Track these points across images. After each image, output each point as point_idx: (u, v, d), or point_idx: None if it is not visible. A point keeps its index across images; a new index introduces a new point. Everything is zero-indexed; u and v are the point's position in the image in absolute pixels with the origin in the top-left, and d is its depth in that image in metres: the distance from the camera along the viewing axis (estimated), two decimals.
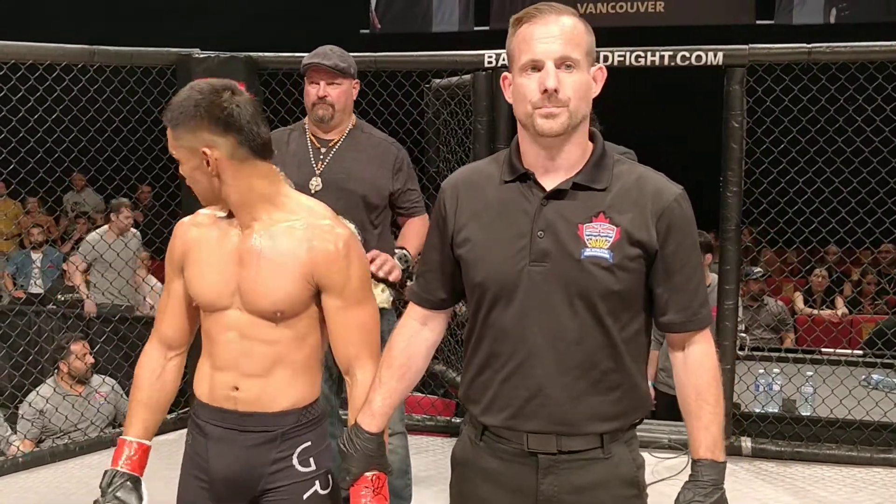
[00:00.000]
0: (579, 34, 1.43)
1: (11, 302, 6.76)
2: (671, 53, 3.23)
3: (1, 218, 7.77)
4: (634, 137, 2.99)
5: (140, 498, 1.67)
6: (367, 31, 8.65)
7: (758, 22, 7.96)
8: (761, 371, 3.79)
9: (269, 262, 1.60)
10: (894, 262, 6.56)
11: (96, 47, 3.27)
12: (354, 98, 2.66)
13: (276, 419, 1.64)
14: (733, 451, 3.28)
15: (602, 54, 3.14)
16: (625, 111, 4.16)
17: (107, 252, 5.18)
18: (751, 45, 3.19)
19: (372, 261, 2.39)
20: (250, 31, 7.54)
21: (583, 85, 1.43)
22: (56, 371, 4.04)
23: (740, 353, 3.50)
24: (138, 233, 5.84)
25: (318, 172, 2.59)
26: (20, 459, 3.24)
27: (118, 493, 1.65)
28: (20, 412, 3.90)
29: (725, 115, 3.20)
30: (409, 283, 2.41)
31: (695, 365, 1.51)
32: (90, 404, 3.97)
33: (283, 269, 1.59)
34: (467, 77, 3.43)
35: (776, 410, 3.65)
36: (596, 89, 1.48)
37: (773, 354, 4.17)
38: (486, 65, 3.34)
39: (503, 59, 3.27)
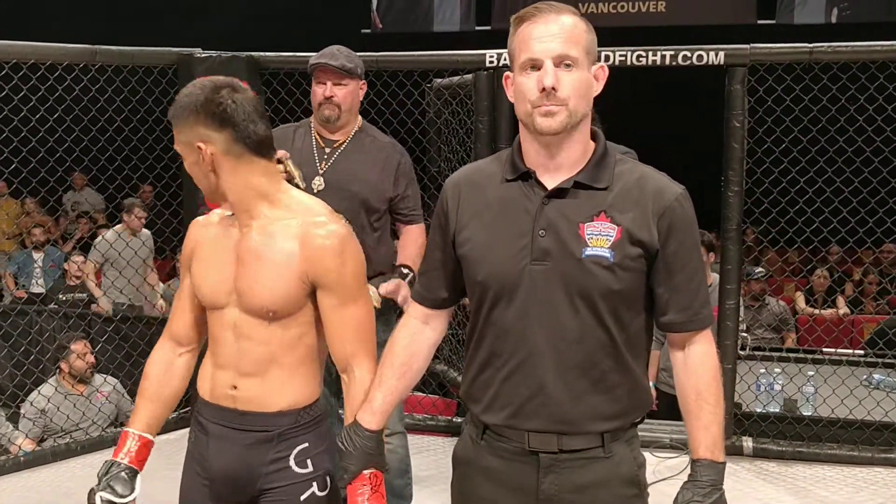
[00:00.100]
0: (579, 33, 1.43)
1: (13, 301, 6.77)
2: (672, 53, 3.23)
3: (3, 217, 7.78)
4: (636, 137, 2.99)
5: (132, 489, 1.66)
6: (368, 30, 8.65)
7: (759, 21, 7.96)
8: (763, 371, 3.79)
9: (264, 260, 1.61)
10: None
11: (98, 47, 3.27)
12: (361, 98, 2.66)
13: (273, 419, 1.64)
14: (735, 451, 3.29)
15: (603, 54, 3.14)
16: (626, 111, 4.15)
17: (121, 251, 5.20)
18: (752, 45, 3.19)
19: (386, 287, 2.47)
20: (251, 31, 7.55)
21: (582, 83, 1.43)
22: (58, 370, 4.04)
23: (742, 352, 3.51)
24: (149, 232, 5.86)
25: (321, 172, 2.59)
26: (22, 458, 3.25)
27: (111, 482, 1.65)
28: (22, 411, 3.90)
29: (727, 114, 3.20)
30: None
31: (695, 365, 1.51)
32: (92, 404, 3.97)
33: (277, 267, 1.59)
34: (468, 77, 3.43)
35: (777, 410, 3.65)
36: (597, 88, 1.49)
37: (774, 354, 4.18)
38: (488, 64, 3.34)
39: (504, 59, 3.28)
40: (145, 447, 1.73)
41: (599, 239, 1.43)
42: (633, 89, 4.40)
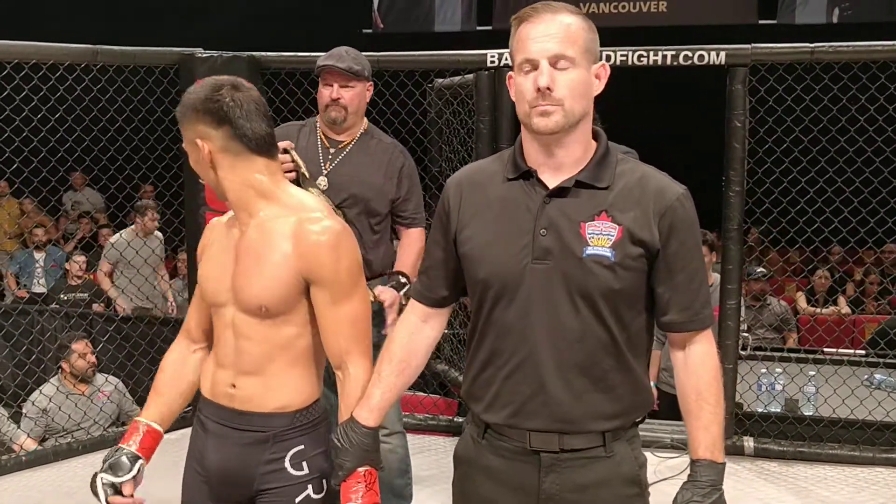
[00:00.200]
0: (576, 32, 1.43)
1: (14, 301, 6.77)
2: (674, 53, 3.23)
3: (4, 217, 7.79)
4: (637, 137, 2.99)
5: (130, 471, 1.66)
6: (369, 30, 8.66)
7: (760, 21, 7.96)
8: (764, 371, 3.79)
9: (259, 257, 1.61)
10: None
11: (100, 47, 3.28)
12: (368, 100, 2.66)
13: (269, 420, 1.64)
14: (736, 451, 3.29)
15: (604, 54, 3.13)
16: (627, 111, 4.15)
17: (134, 253, 5.21)
18: (753, 45, 3.20)
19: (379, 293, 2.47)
20: (253, 31, 7.56)
21: (579, 83, 1.43)
22: (59, 370, 4.05)
23: (743, 352, 3.51)
24: (161, 234, 5.86)
25: (325, 172, 2.59)
26: (24, 458, 3.25)
27: (112, 464, 1.67)
28: (24, 411, 3.91)
29: (728, 114, 3.20)
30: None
31: (695, 365, 1.51)
32: (93, 403, 3.97)
33: (271, 263, 1.59)
34: (470, 77, 3.43)
35: (779, 410, 3.65)
36: (599, 86, 1.48)
37: (775, 354, 4.17)
38: (489, 64, 3.34)
39: (506, 59, 3.28)
40: (153, 437, 1.74)
41: (600, 238, 1.44)
42: (634, 89, 4.40)
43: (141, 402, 4.01)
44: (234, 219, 1.69)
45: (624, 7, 8.39)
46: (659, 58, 3.24)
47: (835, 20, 7.92)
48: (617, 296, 1.45)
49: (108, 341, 4.04)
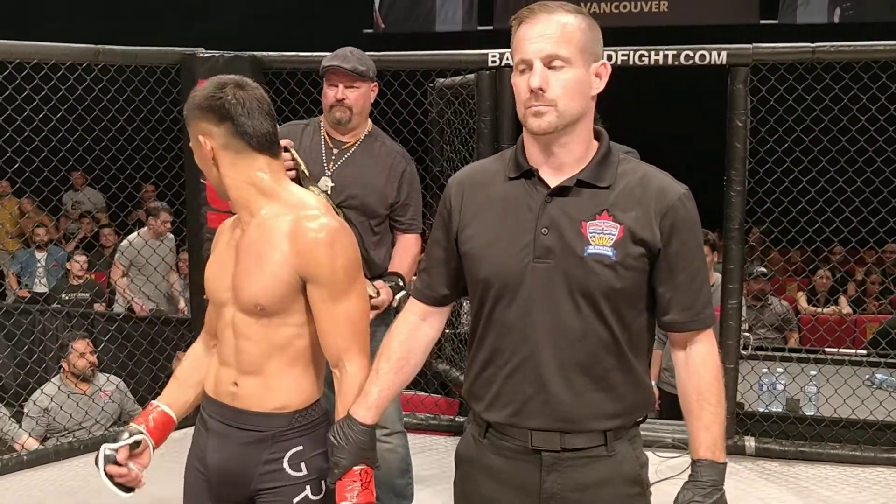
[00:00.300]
0: (571, 31, 1.43)
1: (16, 301, 6.77)
2: (675, 53, 3.22)
3: (6, 217, 7.80)
4: (638, 137, 2.99)
5: (126, 441, 1.69)
6: (370, 30, 8.66)
7: (761, 21, 7.95)
8: (765, 370, 3.79)
9: (257, 256, 1.61)
10: None
11: (101, 46, 3.28)
12: (372, 101, 2.66)
13: (268, 420, 1.64)
14: (737, 451, 3.29)
15: (606, 54, 3.13)
16: (628, 110, 4.15)
17: (145, 255, 5.21)
18: (755, 45, 3.19)
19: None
20: (254, 31, 7.56)
21: (574, 83, 1.43)
22: (60, 369, 4.05)
23: (744, 352, 3.50)
24: (172, 236, 5.86)
25: (328, 173, 2.59)
26: (25, 457, 3.26)
27: (115, 436, 1.72)
28: (25, 410, 3.91)
29: (729, 114, 3.20)
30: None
31: (697, 365, 1.51)
32: (95, 403, 3.98)
33: (268, 262, 1.60)
34: (471, 76, 3.43)
35: (780, 410, 3.64)
36: (599, 85, 1.48)
37: (776, 354, 4.17)
38: (490, 64, 3.34)
39: (507, 59, 3.28)
40: (165, 422, 1.76)
41: (602, 237, 1.44)
42: (635, 89, 4.40)
43: (142, 401, 4.02)
44: (237, 219, 1.70)
45: (625, 7, 8.39)
46: (660, 57, 3.24)
47: (836, 20, 7.91)
48: (618, 295, 1.45)
49: (110, 341, 4.04)
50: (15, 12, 8.16)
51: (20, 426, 3.88)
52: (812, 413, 3.57)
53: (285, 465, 1.63)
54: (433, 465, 3.30)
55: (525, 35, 1.44)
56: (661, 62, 3.24)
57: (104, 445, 1.70)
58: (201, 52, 3.46)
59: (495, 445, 1.53)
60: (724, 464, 1.48)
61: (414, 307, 1.65)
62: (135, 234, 5.75)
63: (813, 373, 3.69)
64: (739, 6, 8.09)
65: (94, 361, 4.03)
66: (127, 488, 1.70)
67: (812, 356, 4.09)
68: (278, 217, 1.61)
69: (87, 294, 6.22)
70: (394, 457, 2.67)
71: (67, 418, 3.85)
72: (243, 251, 1.64)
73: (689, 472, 1.50)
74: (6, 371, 3.90)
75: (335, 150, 2.62)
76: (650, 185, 1.47)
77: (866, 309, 6.39)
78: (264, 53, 3.48)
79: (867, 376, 3.87)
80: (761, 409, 3.59)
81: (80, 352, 3.97)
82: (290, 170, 2.36)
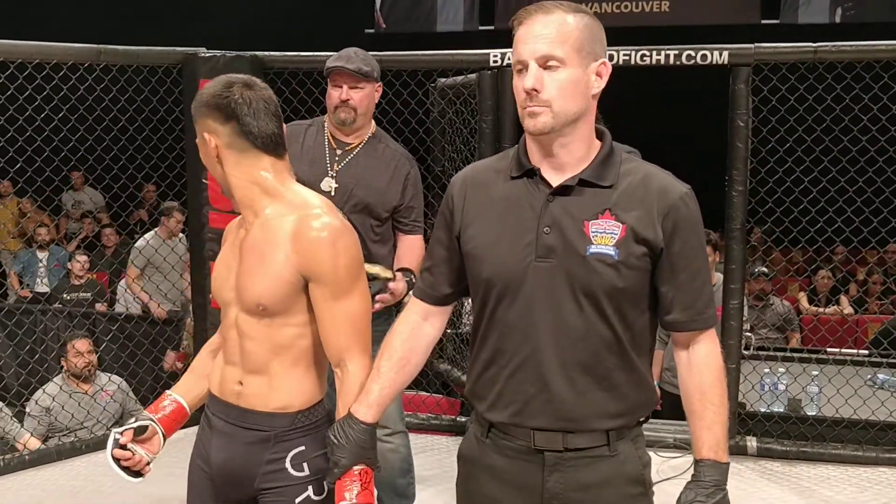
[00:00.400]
0: (568, 31, 1.43)
1: (18, 300, 6.78)
2: (676, 52, 3.22)
3: (8, 217, 7.80)
4: (640, 136, 2.99)
5: (136, 425, 1.71)
6: (371, 30, 8.66)
7: (763, 21, 7.95)
8: (767, 370, 3.79)
9: (260, 255, 1.61)
10: None
11: (103, 46, 3.28)
12: (376, 101, 2.66)
13: (271, 420, 1.64)
14: (738, 451, 3.29)
15: (607, 54, 3.14)
16: (630, 110, 4.15)
17: (158, 257, 5.20)
18: (756, 45, 3.19)
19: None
20: (255, 32, 7.55)
21: (569, 83, 1.43)
22: (62, 369, 4.05)
23: (745, 352, 3.50)
24: (184, 237, 5.85)
25: (331, 174, 2.59)
26: (27, 457, 3.26)
27: (127, 423, 1.73)
28: (27, 409, 3.92)
29: (731, 114, 3.20)
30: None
31: (699, 364, 1.51)
32: (97, 402, 3.98)
33: (270, 262, 1.60)
34: (472, 76, 3.43)
35: (781, 410, 3.64)
36: (599, 85, 1.47)
37: (778, 354, 4.17)
38: (492, 64, 3.34)
39: (508, 59, 3.28)
40: (177, 411, 1.77)
41: (604, 237, 1.44)
42: (637, 89, 4.39)
43: (144, 401, 4.03)
44: (242, 219, 1.71)
45: (626, 7, 8.39)
46: (662, 57, 3.24)
47: (837, 20, 7.91)
48: (620, 294, 1.45)
49: (112, 341, 4.05)
50: (16, 12, 8.16)
51: (22, 426, 3.88)
52: (814, 413, 3.57)
53: (287, 465, 1.63)
54: (434, 464, 3.30)
55: (521, 36, 1.45)
56: (662, 62, 3.24)
57: (113, 432, 1.72)
58: (203, 51, 3.46)
59: (498, 445, 1.53)
60: (727, 464, 1.48)
61: (416, 306, 1.65)
62: (150, 234, 5.72)
63: (815, 373, 3.69)
64: (740, 6, 8.09)
65: (92, 361, 4.02)
66: (135, 473, 1.71)
67: (814, 356, 4.09)
68: (281, 217, 1.61)
69: (89, 294, 6.22)
70: (395, 457, 2.67)
71: (69, 418, 3.86)
72: (246, 251, 1.64)
73: (691, 472, 1.49)
74: (8, 371, 3.91)
75: (339, 151, 2.62)
76: (652, 184, 1.47)
77: (868, 309, 6.39)
78: (266, 53, 3.48)
79: (869, 376, 3.87)
80: (763, 410, 3.58)
81: (78, 351, 3.97)
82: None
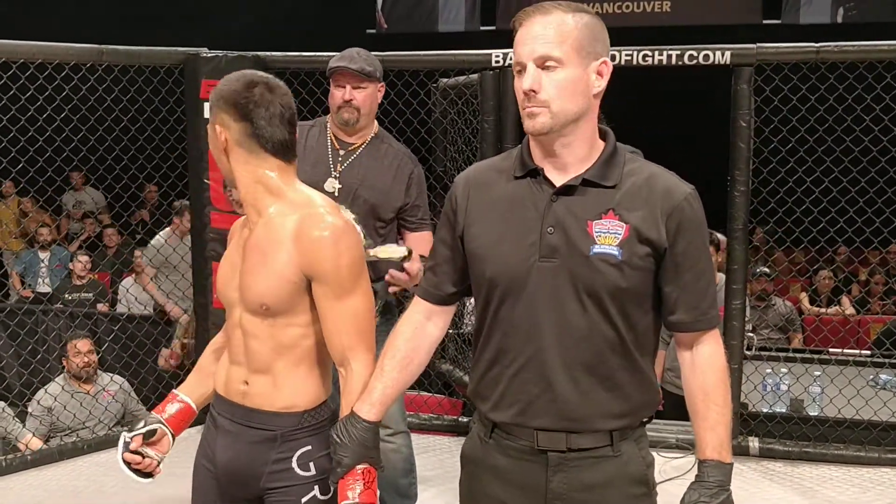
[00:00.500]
0: (566, 31, 1.43)
1: (19, 300, 6.78)
2: (679, 53, 3.22)
3: (10, 217, 7.81)
4: (641, 137, 2.98)
5: (142, 428, 1.72)
6: (373, 30, 8.66)
7: (764, 21, 7.95)
8: (769, 371, 3.78)
9: (263, 255, 1.62)
10: None
11: (105, 46, 3.28)
12: (379, 101, 2.66)
13: (276, 419, 1.64)
14: (741, 451, 3.28)
15: (610, 53, 3.14)
16: (632, 110, 4.14)
17: (172, 255, 5.18)
18: (759, 45, 3.19)
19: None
20: (257, 32, 7.56)
21: (568, 83, 1.43)
22: (63, 369, 4.06)
23: (748, 352, 3.50)
24: None
25: (334, 174, 2.59)
26: (29, 457, 3.26)
27: (135, 425, 1.75)
28: (29, 409, 3.92)
29: (733, 114, 3.19)
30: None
31: (703, 365, 1.51)
32: (98, 402, 3.98)
33: (273, 261, 1.60)
34: (474, 76, 3.43)
35: (784, 410, 3.64)
36: (599, 84, 1.47)
37: (780, 354, 4.17)
38: (494, 64, 3.34)
39: (510, 59, 3.27)
40: (184, 410, 1.79)
41: (607, 237, 1.43)
42: (639, 89, 4.39)
43: (146, 401, 4.03)
44: (247, 218, 1.71)
45: (628, 7, 8.39)
46: (664, 57, 3.23)
47: (839, 20, 7.91)
48: (624, 294, 1.45)
49: (113, 341, 4.05)
50: (18, 12, 8.17)
51: (24, 426, 3.89)
52: (816, 413, 3.56)
53: (294, 464, 1.63)
54: (436, 465, 3.30)
55: (520, 38, 1.45)
56: (664, 62, 3.24)
57: (123, 433, 1.75)
58: (205, 52, 3.46)
59: (501, 445, 1.53)
60: (731, 464, 1.48)
61: (419, 306, 1.64)
62: (162, 233, 5.71)
63: (817, 373, 3.69)
64: (742, 6, 8.09)
65: (91, 361, 4.01)
66: (145, 474, 1.74)
67: (816, 356, 4.09)
68: (285, 216, 1.62)
69: (91, 294, 6.22)
70: (398, 457, 2.67)
71: (71, 418, 3.86)
72: (250, 250, 1.65)
73: (693, 472, 1.49)
74: (10, 371, 3.91)
75: (342, 152, 2.62)
76: (656, 184, 1.47)
77: (870, 309, 6.38)
78: (267, 53, 3.49)
79: (871, 377, 3.87)
80: (765, 410, 3.58)
81: (78, 351, 3.97)
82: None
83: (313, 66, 3.38)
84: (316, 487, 1.64)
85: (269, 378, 1.65)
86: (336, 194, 2.54)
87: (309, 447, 1.64)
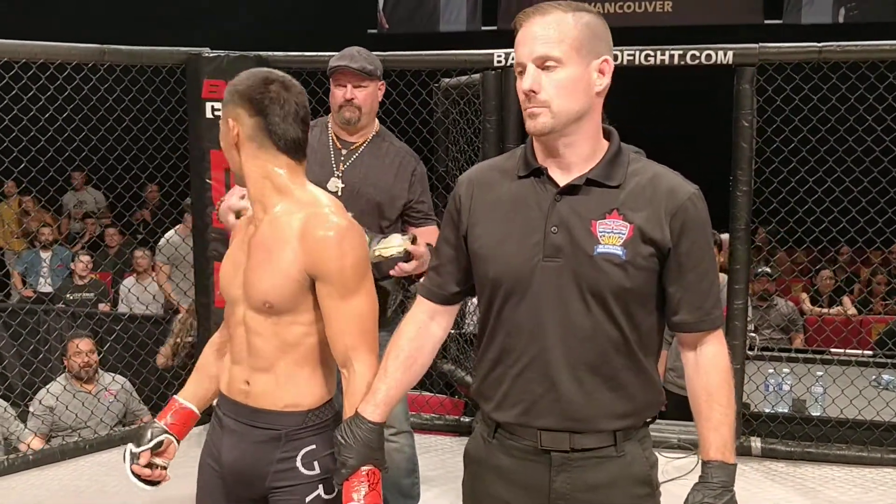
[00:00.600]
0: (566, 30, 1.42)
1: (21, 300, 6.79)
2: (681, 52, 3.22)
3: (12, 217, 7.81)
4: (644, 137, 2.98)
5: (149, 442, 1.74)
6: (374, 31, 8.66)
7: (766, 21, 7.94)
8: (771, 371, 3.78)
9: (267, 252, 1.62)
10: None
11: (107, 46, 3.28)
12: (380, 100, 2.66)
13: (281, 418, 1.64)
14: (743, 452, 3.28)
15: (612, 52, 3.14)
16: (634, 110, 4.14)
17: (184, 252, 5.17)
18: (761, 45, 3.19)
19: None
20: (258, 32, 7.55)
21: (568, 82, 1.42)
22: (65, 369, 4.06)
23: (750, 352, 3.49)
24: None
25: (337, 174, 2.59)
26: (31, 457, 3.26)
27: (139, 436, 1.75)
28: (31, 409, 3.92)
29: (735, 114, 3.19)
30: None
31: (707, 365, 1.51)
32: (100, 402, 3.98)
33: (277, 259, 1.60)
34: (476, 76, 3.43)
35: (786, 410, 3.64)
36: (601, 82, 1.46)
37: (782, 354, 4.16)
38: (496, 64, 3.33)
39: (512, 58, 3.27)
40: (185, 416, 1.79)
41: (611, 237, 1.43)
42: (641, 89, 4.39)
43: (147, 401, 4.03)
44: (252, 216, 1.71)
45: (629, 7, 8.38)
46: (666, 57, 3.23)
47: (841, 20, 7.91)
48: (628, 294, 1.44)
49: (115, 341, 4.05)
50: (19, 12, 8.17)
51: (26, 427, 3.89)
52: (818, 414, 3.56)
53: (298, 463, 1.63)
54: (438, 465, 3.30)
55: (520, 39, 1.45)
56: (667, 62, 3.23)
57: (129, 446, 1.75)
58: (207, 52, 3.46)
59: (504, 445, 1.53)
60: (734, 465, 1.48)
61: (422, 306, 1.64)
62: (172, 231, 5.69)
63: (819, 373, 3.68)
64: (743, 6, 8.08)
65: (90, 361, 4.01)
66: (152, 482, 1.76)
67: (818, 357, 4.08)
68: (290, 214, 1.62)
69: (92, 294, 6.22)
70: (401, 456, 2.67)
71: (73, 417, 3.86)
72: (255, 248, 1.65)
73: (695, 472, 1.49)
74: (12, 371, 3.91)
75: (344, 151, 2.62)
76: (660, 184, 1.47)
77: (872, 309, 6.38)
78: (269, 53, 3.48)
79: (874, 377, 3.86)
80: (767, 410, 3.58)
81: (78, 350, 3.97)
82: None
83: (315, 66, 3.38)
84: (320, 486, 1.64)
85: (271, 377, 1.65)
86: (339, 194, 2.54)
87: (313, 446, 1.64)
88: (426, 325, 1.63)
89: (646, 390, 1.50)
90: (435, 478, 3.14)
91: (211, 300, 3.47)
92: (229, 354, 1.73)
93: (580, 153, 1.47)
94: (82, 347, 3.97)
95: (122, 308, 6.00)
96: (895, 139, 3.36)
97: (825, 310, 6.27)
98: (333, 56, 2.63)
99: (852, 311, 6.25)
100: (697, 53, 3.21)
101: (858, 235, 3.52)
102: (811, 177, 3.46)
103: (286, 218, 1.62)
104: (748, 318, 3.48)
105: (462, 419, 3.72)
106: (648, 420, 1.54)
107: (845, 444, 3.32)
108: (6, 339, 4.90)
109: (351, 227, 1.62)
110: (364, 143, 2.63)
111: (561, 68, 1.42)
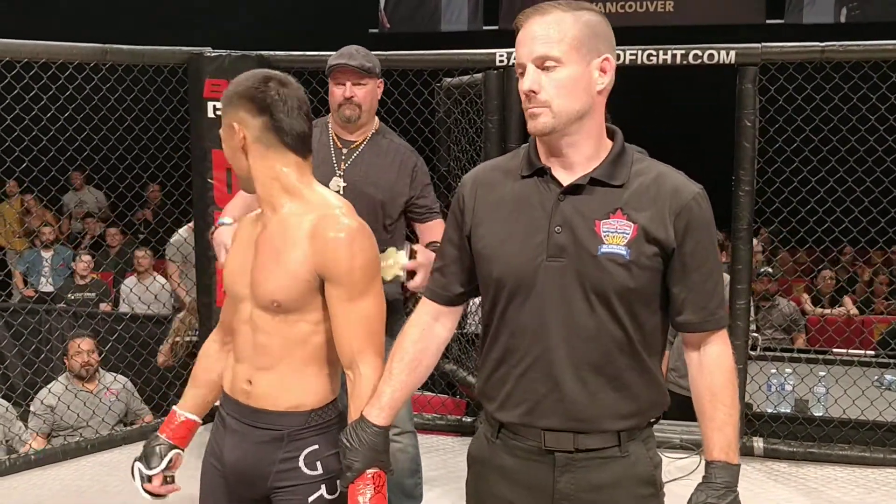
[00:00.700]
0: (565, 30, 1.42)
1: (22, 300, 6.79)
2: (683, 52, 3.21)
3: (14, 216, 7.81)
4: (646, 136, 2.97)
5: (160, 464, 1.76)
6: (376, 30, 8.66)
7: (768, 21, 7.94)
8: (773, 371, 3.78)
9: (276, 252, 1.62)
10: None
11: (109, 46, 3.28)
12: (379, 98, 2.66)
13: (283, 419, 1.64)
14: (745, 452, 3.27)
15: (615, 50, 3.13)
16: (636, 110, 4.14)
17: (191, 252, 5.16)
18: (763, 44, 3.18)
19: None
20: (259, 32, 7.56)
21: (568, 81, 1.42)
22: (66, 368, 4.06)
23: (752, 352, 3.49)
24: None
25: (339, 173, 2.59)
26: (32, 457, 3.26)
27: (147, 455, 1.77)
28: (32, 408, 3.92)
29: (738, 113, 3.18)
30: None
31: (711, 365, 1.50)
32: (101, 402, 3.98)
33: (286, 259, 1.60)
34: (478, 76, 3.42)
35: (788, 411, 3.63)
36: (602, 81, 1.46)
37: (785, 354, 4.16)
38: (498, 63, 3.33)
39: (514, 58, 3.26)
40: (187, 427, 1.81)
41: (615, 236, 1.43)
42: (643, 89, 4.39)
43: (149, 401, 4.03)
44: (260, 214, 1.71)
45: (630, 6, 8.38)
46: (668, 57, 3.22)
47: (842, 20, 7.90)
48: (632, 294, 1.44)
49: (116, 341, 4.05)
50: (21, 12, 8.17)
51: (27, 427, 3.89)
52: (821, 414, 3.56)
53: (301, 463, 1.63)
54: (440, 465, 3.30)
55: (520, 39, 1.45)
56: (669, 62, 3.23)
57: (138, 465, 1.77)
58: (208, 51, 3.46)
59: (508, 446, 1.52)
60: (738, 465, 1.48)
61: (426, 307, 1.64)
62: (183, 229, 5.68)
63: (822, 373, 3.68)
64: (745, 5, 8.08)
65: (91, 360, 4.01)
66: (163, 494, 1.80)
67: (821, 357, 4.08)
68: (300, 215, 1.62)
69: (94, 294, 6.22)
70: (404, 456, 2.67)
71: (74, 417, 3.86)
72: (263, 247, 1.65)
73: (697, 472, 1.49)
74: (14, 370, 3.91)
75: (344, 150, 2.62)
76: (665, 184, 1.46)
77: (874, 309, 6.37)
78: (271, 53, 3.48)
79: (876, 377, 3.86)
80: (770, 410, 3.58)
81: (79, 349, 3.97)
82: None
83: (316, 65, 3.37)
84: (323, 486, 1.64)
85: (274, 376, 1.65)
86: (341, 193, 2.53)
87: (316, 446, 1.64)
88: (430, 327, 1.62)
89: (650, 390, 1.50)
90: (436, 478, 3.13)
91: (212, 299, 3.47)
92: (233, 352, 1.73)
93: (583, 152, 1.47)
94: (83, 347, 3.97)
95: (123, 308, 5.99)
96: None
97: (827, 310, 6.27)
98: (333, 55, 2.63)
99: (854, 311, 6.25)
100: (700, 53, 3.20)
101: (861, 235, 3.51)
102: (813, 177, 3.46)
103: (296, 219, 1.62)
104: (750, 318, 3.48)
105: (464, 419, 3.71)
106: (652, 420, 1.54)
107: (848, 444, 3.31)
108: (8, 339, 4.90)
109: (361, 228, 1.63)
110: (364, 141, 2.63)
111: (561, 68, 1.42)
